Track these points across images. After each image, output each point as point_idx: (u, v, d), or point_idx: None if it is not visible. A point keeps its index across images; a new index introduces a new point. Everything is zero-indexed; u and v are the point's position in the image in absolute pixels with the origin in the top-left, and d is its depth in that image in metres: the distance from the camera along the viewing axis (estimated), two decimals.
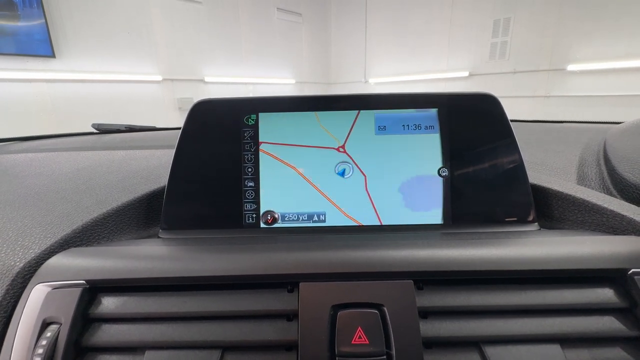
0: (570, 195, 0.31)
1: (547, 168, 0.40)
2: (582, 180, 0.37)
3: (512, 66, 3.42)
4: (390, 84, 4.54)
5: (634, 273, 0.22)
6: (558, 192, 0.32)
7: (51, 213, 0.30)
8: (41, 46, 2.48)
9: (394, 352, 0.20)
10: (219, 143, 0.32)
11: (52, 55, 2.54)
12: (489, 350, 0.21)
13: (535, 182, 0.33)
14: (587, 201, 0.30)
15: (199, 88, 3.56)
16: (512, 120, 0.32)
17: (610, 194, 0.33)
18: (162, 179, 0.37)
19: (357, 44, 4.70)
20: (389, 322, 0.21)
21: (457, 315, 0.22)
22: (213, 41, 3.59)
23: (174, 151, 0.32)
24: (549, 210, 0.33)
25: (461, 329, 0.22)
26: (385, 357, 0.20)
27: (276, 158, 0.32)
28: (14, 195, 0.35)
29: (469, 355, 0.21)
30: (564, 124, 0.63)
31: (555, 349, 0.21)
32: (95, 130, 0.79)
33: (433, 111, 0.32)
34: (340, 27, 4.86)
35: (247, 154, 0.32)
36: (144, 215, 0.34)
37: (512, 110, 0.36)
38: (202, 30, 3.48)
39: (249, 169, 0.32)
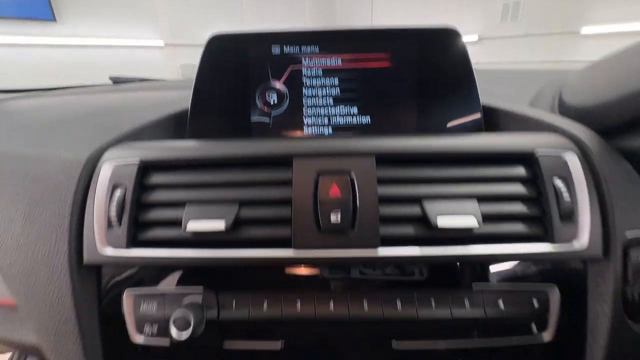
0: (511, 112, 0.37)
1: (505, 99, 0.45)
2: (534, 105, 0.42)
3: (524, 29, 3.28)
4: None
5: (538, 153, 0.29)
6: (503, 110, 0.38)
7: (100, 125, 0.38)
8: (41, 9, 2.47)
9: (358, 202, 0.28)
10: (234, 68, 0.39)
11: (52, 19, 2.54)
12: (427, 204, 0.28)
13: (485, 103, 0.39)
14: (523, 114, 0.35)
15: None
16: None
17: None
18: (182, 105, 0.44)
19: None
20: (355, 182, 0.29)
21: (405, 182, 0.30)
22: (216, 3, 3.49)
23: (190, 89, 0.39)
24: (497, 126, 0.39)
25: (407, 190, 0.29)
26: (351, 204, 0.28)
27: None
28: (57, 117, 0.42)
29: (412, 207, 0.29)
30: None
31: (473, 202, 0.29)
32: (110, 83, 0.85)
33: (403, 46, 0.39)
34: None
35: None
36: (173, 128, 0.43)
37: None
38: None
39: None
